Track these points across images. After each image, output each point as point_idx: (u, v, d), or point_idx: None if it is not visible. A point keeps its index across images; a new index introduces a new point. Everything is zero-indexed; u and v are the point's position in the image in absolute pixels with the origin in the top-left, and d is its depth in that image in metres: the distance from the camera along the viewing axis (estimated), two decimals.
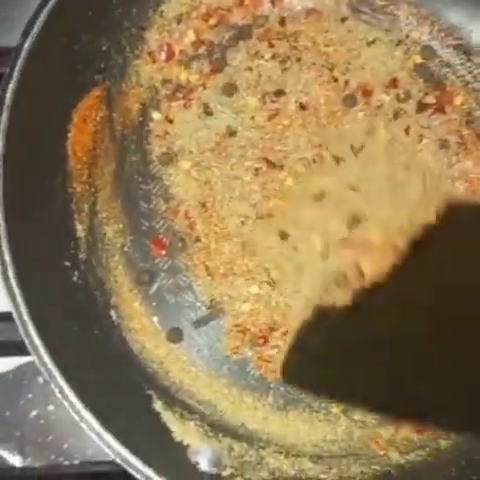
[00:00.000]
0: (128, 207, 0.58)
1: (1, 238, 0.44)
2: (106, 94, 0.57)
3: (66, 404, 0.45)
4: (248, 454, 0.53)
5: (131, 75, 0.59)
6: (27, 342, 0.45)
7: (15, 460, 0.59)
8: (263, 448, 0.54)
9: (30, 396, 0.60)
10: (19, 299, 0.45)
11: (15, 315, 0.45)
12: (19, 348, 0.56)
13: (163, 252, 0.58)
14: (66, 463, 0.60)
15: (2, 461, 0.59)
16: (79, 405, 0.45)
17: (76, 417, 0.45)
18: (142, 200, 0.58)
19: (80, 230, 0.55)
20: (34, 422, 0.59)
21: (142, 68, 0.59)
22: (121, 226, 0.58)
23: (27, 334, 0.45)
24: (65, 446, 0.59)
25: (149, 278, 0.57)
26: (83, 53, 0.54)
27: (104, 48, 0.56)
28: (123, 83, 0.59)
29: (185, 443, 0.52)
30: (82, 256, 0.55)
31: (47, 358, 0.45)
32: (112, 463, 0.58)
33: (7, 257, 0.45)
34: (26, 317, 0.45)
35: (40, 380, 0.60)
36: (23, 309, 0.45)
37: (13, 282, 0.45)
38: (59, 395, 0.45)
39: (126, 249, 0.58)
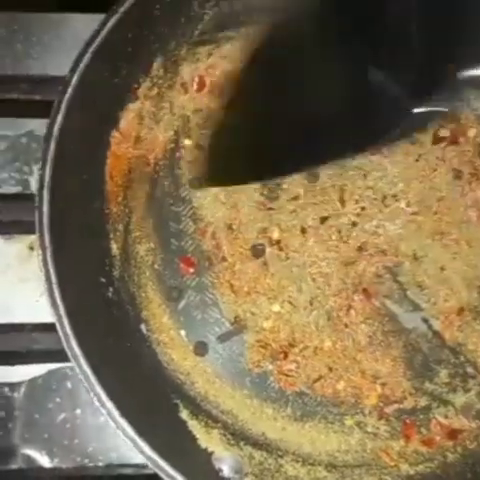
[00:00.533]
0: (159, 227, 0.62)
1: (48, 261, 0.48)
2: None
3: (104, 411, 0.49)
4: (267, 462, 0.57)
5: (164, 105, 0.63)
6: (69, 353, 0.49)
7: (43, 461, 0.62)
8: (281, 457, 0.58)
9: (58, 400, 0.63)
10: (62, 313, 0.49)
11: (59, 328, 0.49)
12: (52, 356, 0.61)
13: (191, 270, 0.62)
14: (91, 465, 0.63)
15: (31, 461, 0.62)
16: (115, 413, 0.48)
17: (112, 424, 0.49)
18: (172, 221, 0.62)
19: (115, 249, 0.59)
20: (61, 425, 0.62)
21: (175, 99, 0.63)
22: (152, 245, 0.62)
23: (69, 345, 0.48)
24: (90, 449, 0.62)
25: (177, 294, 0.61)
26: (122, 85, 0.58)
27: (141, 80, 0.60)
28: (157, 112, 0.63)
29: (209, 450, 0.55)
30: (116, 273, 0.59)
31: (86, 367, 0.48)
32: (135, 466, 0.62)
33: (53, 278, 0.48)
34: (69, 330, 0.49)
35: (68, 385, 0.63)
36: (66, 323, 0.49)
37: (58, 299, 0.49)
38: (97, 403, 0.49)
39: (156, 267, 0.61)
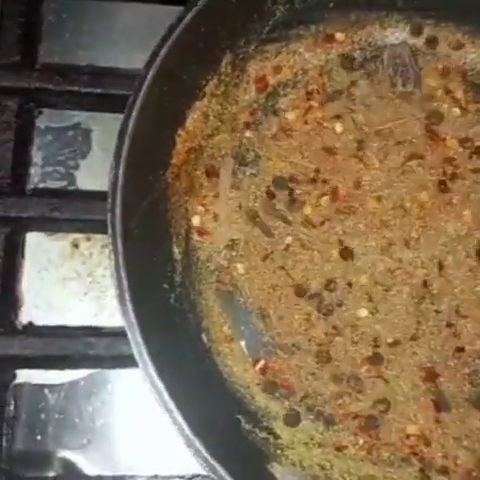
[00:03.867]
0: None
1: (120, 267, 0.46)
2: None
3: (174, 428, 0.46)
4: None
5: (230, 104, 0.60)
6: (140, 364, 0.46)
7: (83, 467, 0.60)
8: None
9: (99, 404, 0.60)
10: (134, 321, 0.46)
11: (130, 337, 0.46)
12: (100, 361, 0.59)
13: None
14: (133, 474, 0.60)
15: (71, 467, 0.60)
16: (185, 426, 0.46)
17: (181, 438, 0.46)
18: None
19: (177, 253, 0.57)
20: (101, 430, 0.60)
21: (241, 97, 0.61)
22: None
23: (141, 357, 0.46)
24: (133, 457, 0.60)
25: None
26: (190, 82, 0.56)
27: (209, 77, 0.58)
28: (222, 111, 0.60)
29: (273, 470, 0.53)
30: (178, 279, 0.57)
31: (159, 383, 0.46)
32: (182, 477, 0.60)
33: (125, 285, 0.46)
34: (139, 339, 0.46)
35: (109, 389, 0.61)
36: (137, 331, 0.46)
37: (129, 307, 0.46)
38: (169, 421, 0.46)
39: (217, 273, 0.59)
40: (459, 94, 0.61)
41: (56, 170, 0.65)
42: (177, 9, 0.52)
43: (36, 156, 0.65)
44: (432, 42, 0.63)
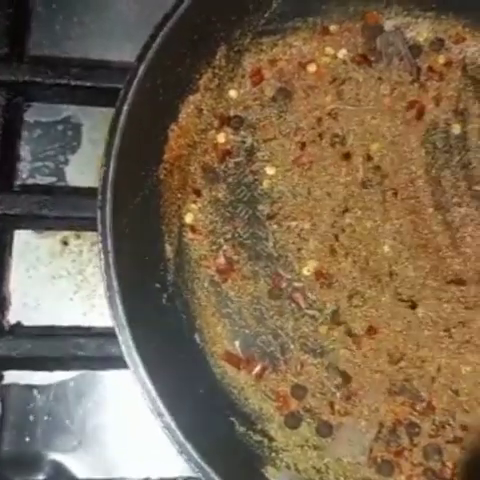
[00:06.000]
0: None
1: (110, 267, 0.44)
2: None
3: (166, 432, 0.45)
4: None
5: (224, 97, 0.59)
6: (131, 366, 0.45)
7: (74, 470, 0.59)
8: None
9: (89, 405, 0.59)
10: (124, 323, 0.45)
11: (120, 339, 0.45)
12: (90, 362, 0.57)
13: None
14: (125, 477, 0.59)
15: (61, 470, 0.58)
16: (177, 430, 0.44)
17: (174, 443, 0.45)
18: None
19: (169, 251, 0.56)
20: (92, 433, 0.59)
21: (236, 91, 0.59)
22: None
23: (131, 358, 0.45)
24: (125, 460, 0.59)
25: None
26: (184, 76, 0.54)
27: (203, 70, 0.56)
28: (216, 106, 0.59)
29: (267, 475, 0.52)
30: (170, 278, 0.55)
31: (150, 385, 0.44)
32: None
33: (116, 286, 0.44)
34: (130, 342, 0.45)
35: (100, 390, 0.59)
36: (128, 334, 0.45)
37: (120, 309, 0.45)
38: (160, 424, 0.45)
39: (210, 272, 0.57)
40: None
41: (45, 165, 0.64)
42: (170, 0, 0.51)
43: (24, 151, 0.63)
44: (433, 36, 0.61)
